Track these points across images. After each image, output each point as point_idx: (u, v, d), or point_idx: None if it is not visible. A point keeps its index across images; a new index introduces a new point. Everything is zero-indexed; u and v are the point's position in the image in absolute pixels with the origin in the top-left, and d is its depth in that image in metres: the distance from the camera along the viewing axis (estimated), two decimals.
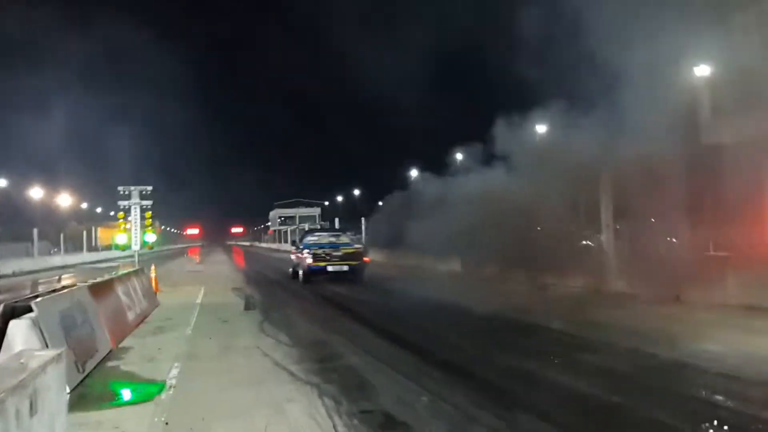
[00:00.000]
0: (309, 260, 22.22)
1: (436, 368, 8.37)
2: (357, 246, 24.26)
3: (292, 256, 26.09)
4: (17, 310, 7.56)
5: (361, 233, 38.85)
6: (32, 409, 3.09)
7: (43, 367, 3.34)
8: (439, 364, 8.67)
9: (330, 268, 22.14)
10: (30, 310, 7.53)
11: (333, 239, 24.39)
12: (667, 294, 14.03)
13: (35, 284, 24.24)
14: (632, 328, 10.91)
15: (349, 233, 28.33)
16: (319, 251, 22.55)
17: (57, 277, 31.18)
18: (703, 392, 6.93)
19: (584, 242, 28.84)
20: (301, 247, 24.03)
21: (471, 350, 9.72)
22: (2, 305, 7.29)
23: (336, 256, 22.35)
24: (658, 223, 17.34)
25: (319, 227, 35.49)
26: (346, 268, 22.11)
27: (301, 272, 22.98)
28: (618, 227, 19.48)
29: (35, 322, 7.40)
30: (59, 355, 3.69)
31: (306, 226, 66.52)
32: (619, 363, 8.46)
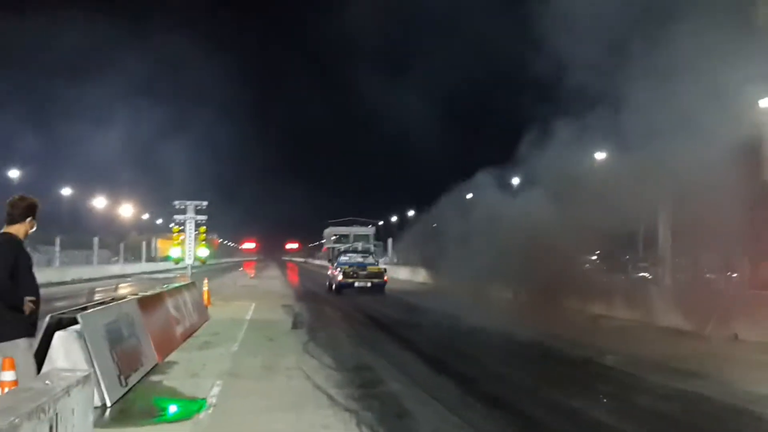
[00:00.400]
0: (340, 277, 26.75)
1: (479, 400, 8.12)
2: (381, 267, 29.01)
3: (329, 272, 30.14)
4: (63, 322, 7.63)
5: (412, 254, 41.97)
6: None
7: (67, 390, 3.27)
8: (483, 396, 8.40)
9: (357, 284, 26.58)
10: (77, 321, 7.60)
11: (361, 259, 29.28)
12: (724, 331, 13.47)
13: (91, 293, 24.77)
14: (686, 368, 10.43)
15: (381, 255, 34.59)
16: (349, 270, 27.10)
17: (114, 286, 31.86)
18: None
19: (641, 274, 28.21)
20: (335, 265, 28.54)
21: (517, 382, 9.42)
22: (48, 316, 7.36)
23: (362, 274, 26.96)
24: (719, 258, 16.76)
25: (351, 248, 38.11)
26: (369, 284, 26.58)
27: (333, 285, 27.40)
28: (677, 260, 18.92)
29: (80, 335, 7.45)
30: (86, 377, 3.62)
31: (359, 245, 66.59)
32: (669, 406, 8.06)
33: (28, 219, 5.50)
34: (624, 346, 12.50)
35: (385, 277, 27.68)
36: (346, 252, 31.62)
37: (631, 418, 7.36)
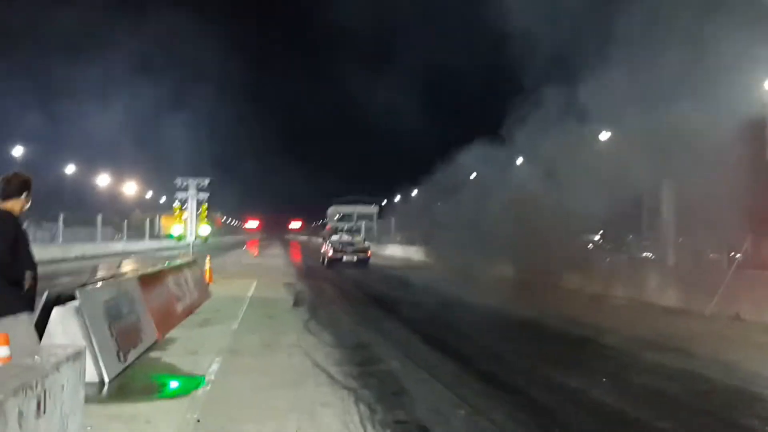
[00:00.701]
0: (330, 252, 31.65)
1: (476, 379, 8.10)
2: (365, 244, 34.39)
3: (322, 249, 34.52)
4: (62, 298, 7.59)
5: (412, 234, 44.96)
6: (39, 410, 2.98)
7: (57, 366, 3.23)
8: (481, 374, 8.39)
9: (345, 258, 31.14)
10: (75, 297, 7.56)
11: (349, 238, 34.99)
12: (726, 311, 13.44)
13: (95, 270, 24.74)
14: (687, 347, 10.41)
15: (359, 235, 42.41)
16: (338, 246, 32.09)
17: (117, 263, 31.87)
18: (756, 422, 6.50)
19: (644, 254, 28.17)
20: (327, 242, 33.44)
21: (515, 362, 9.37)
22: (46, 292, 7.32)
23: (349, 250, 31.65)
24: (721, 238, 16.68)
25: (340, 228, 49.56)
26: (355, 258, 31.22)
27: (325, 259, 32.13)
28: (680, 240, 18.85)
29: (78, 311, 7.42)
30: (77, 353, 3.58)
31: (363, 223, 66.77)
32: (669, 385, 8.02)
33: (24, 194, 5.46)
34: (623, 326, 12.50)
35: (369, 253, 32.95)
36: (336, 231, 40.71)
37: (630, 398, 7.33)
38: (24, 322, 5.25)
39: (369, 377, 7.96)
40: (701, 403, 7.27)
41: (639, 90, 17.64)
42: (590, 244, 35.97)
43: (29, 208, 5.66)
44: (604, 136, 34.27)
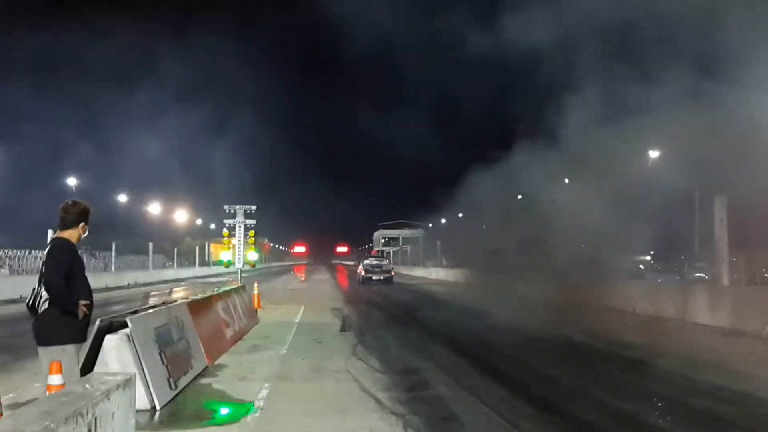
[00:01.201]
0: (363, 272, 42.02)
1: (528, 403, 7.93)
2: (390, 267, 45.51)
3: (357, 270, 46.53)
4: (114, 325, 7.69)
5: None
6: None
7: (107, 393, 3.24)
8: (532, 399, 8.20)
9: (374, 278, 40.70)
10: (127, 325, 7.65)
11: (378, 262, 45.41)
12: None
13: (147, 296, 25.17)
14: (743, 370, 10.07)
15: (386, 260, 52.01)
16: (369, 268, 42.29)
17: (168, 290, 32.36)
18: None
19: (697, 274, 27.50)
20: (361, 266, 44.87)
21: (568, 385, 9.14)
22: (99, 320, 7.43)
23: (378, 271, 41.70)
24: None
25: (374, 254, 63.75)
26: (382, 277, 40.81)
27: (360, 278, 41.97)
28: (734, 259, 18.36)
29: (129, 338, 7.50)
30: (128, 380, 3.59)
31: (408, 248, 66.90)
32: (726, 409, 7.74)
33: (81, 224, 5.54)
34: (678, 348, 12.15)
35: (392, 273, 43.45)
36: (368, 257, 52.65)
37: (687, 422, 7.10)
38: (69, 353, 5.29)
39: (418, 402, 7.86)
40: (760, 427, 7.00)
41: (688, 103, 17.29)
42: (641, 265, 35.39)
43: (86, 237, 5.74)
44: (654, 153, 33.75)
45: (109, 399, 3.24)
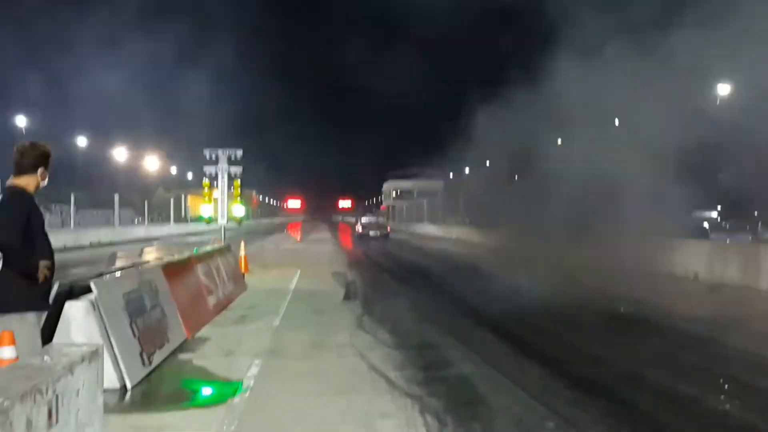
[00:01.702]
0: (360, 230, 53.24)
1: (567, 385, 7.97)
2: (386, 224, 57.47)
3: (355, 227, 58.31)
4: (75, 290, 7.74)
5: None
6: (51, 419, 3.01)
7: (70, 367, 3.26)
8: (572, 380, 8.24)
9: (371, 233, 50.61)
10: (90, 290, 7.70)
11: (374, 219, 57.45)
12: None
13: (112, 258, 25.27)
14: None
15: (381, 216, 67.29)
16: (366, 224, 53.62)
17: (139, 251, 32.52)
18: None
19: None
20: (359, 222, 56.27)
21: (613, 365, 9.16)
22: (57, 284, 7.46)
23: (374, 227, 52.43)
24: None
25: (368, 213, 72.55)
26: (379, 233, 50.55)
27: (357, 235, 53.05)
28: None
29: (94, 305, 7.56)
30: (93, 352, 3.61)
31: (424, 202, 67.04)
32: None
33: (40, 169, 5.48)
34: (749, 322, 12.15)
35: (389, 229, 54.89)
36: (365, 214, 65.56)
37: (759, 407, 7.15)
38: (30, 322, 5.31)
39: (436, 383, 7.92)
40: None
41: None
42: (705, 223, 35.32)
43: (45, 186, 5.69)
44: (723, 89, 33.41)
45: (72, 374, 3.26)
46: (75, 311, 7.50)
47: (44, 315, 5.63)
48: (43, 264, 5.38)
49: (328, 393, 7.52)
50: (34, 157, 5.49)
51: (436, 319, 12.79)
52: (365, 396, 7.38)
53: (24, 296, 5.30)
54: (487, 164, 50.87)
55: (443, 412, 6.76)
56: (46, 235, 5.53)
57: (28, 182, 5.46)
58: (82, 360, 3.42)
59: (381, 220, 58.65)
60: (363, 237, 51.05)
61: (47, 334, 7.32)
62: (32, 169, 5.47)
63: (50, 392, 3.01)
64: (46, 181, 5.58)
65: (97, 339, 7.43)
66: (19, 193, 5.42)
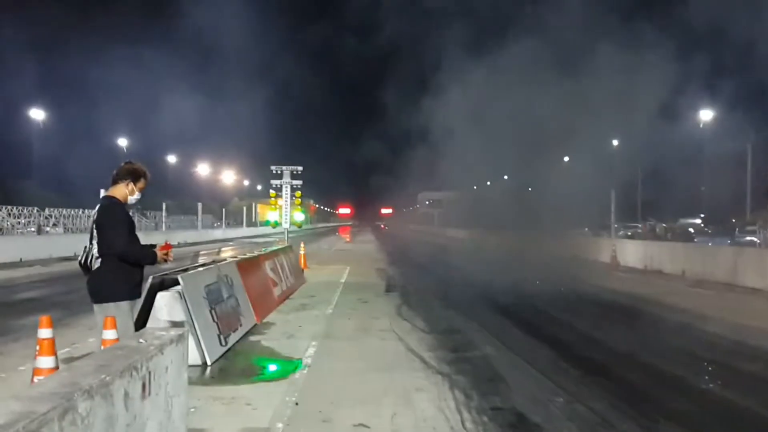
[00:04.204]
0: (382, 226, 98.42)
1: (574, 365, 7.83)
2: (385, 224, 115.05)
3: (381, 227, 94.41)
4: (166, 283, 7.80)
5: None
6: (145, 392, 3.01)
7: (161, 348, 3.26)
8: (578, 361, 8.11)
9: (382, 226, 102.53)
10: (178, 282, 7.76)
11: (381, 224, 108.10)
12: None
13: (196, 255, 25.54)
14: None
15: None
16: (383, 226, 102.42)
17: (217, 250, 32.84)
18: None
19: (748, 238, 26.88)
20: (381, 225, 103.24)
21: (613, 348, 9.04)
22: (151, 277, 7.53)
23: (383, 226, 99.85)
24: None
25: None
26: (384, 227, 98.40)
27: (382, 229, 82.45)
28: None
29: (181, 295, 7.61)
30: (180, 335, 3.61)
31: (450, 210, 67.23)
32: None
33: (127, 181, 5.50)
34: (727, 313, 11.88)
35: (383, 227, 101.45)
36: (380, 222, 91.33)
37: (737, 386, 6.96)
38: (124, 309, 5.33)
39: (463, 363, 7.84)
40: None
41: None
42: (690, 228, 34.73)
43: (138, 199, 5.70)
44: (706, 115, 32.98)
45: (162, 353, 3.26)
46: (166, 299, 7.57)
47: (137, 303, 5.65)
48: (161, 254, 5.46)
49: (373, 370, 7.47)
50: (125, 172, 5.52)
51: (461, 307, 12.52)
52: (403, 373, 7.32)
53: (120, 287, 5.34)
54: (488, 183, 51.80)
55: (469, 388, 6.68)
56: (137, 238, 5.57)
57: (117, 192, 5.48)
58: (171, 342, 3.42)
59: (384, 224, 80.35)
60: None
61: (143, 318, 7.40)
62: (122, 180, 5.50)
63: (144, 369, 3.01)
64: (137, 194, 5.58)
65: (183, 323, 7.49)
66: (115, 203, 5.45)
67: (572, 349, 8.86)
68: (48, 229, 31.37)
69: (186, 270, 8.61)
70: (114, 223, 5.31)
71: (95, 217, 5.43)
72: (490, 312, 12.26)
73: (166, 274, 7.97)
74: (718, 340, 9.59)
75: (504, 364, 7.85)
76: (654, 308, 12.64)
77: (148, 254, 5.44)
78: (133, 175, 5.54)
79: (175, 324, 7.42)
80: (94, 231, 5.36)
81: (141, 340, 3.32)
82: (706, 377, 7.42)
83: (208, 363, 7.51)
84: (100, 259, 5.29)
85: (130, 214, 5.64)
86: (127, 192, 5.51)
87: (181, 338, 3.60)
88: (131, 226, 5.50)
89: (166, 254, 5.52)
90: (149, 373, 3.06)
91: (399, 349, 8.67)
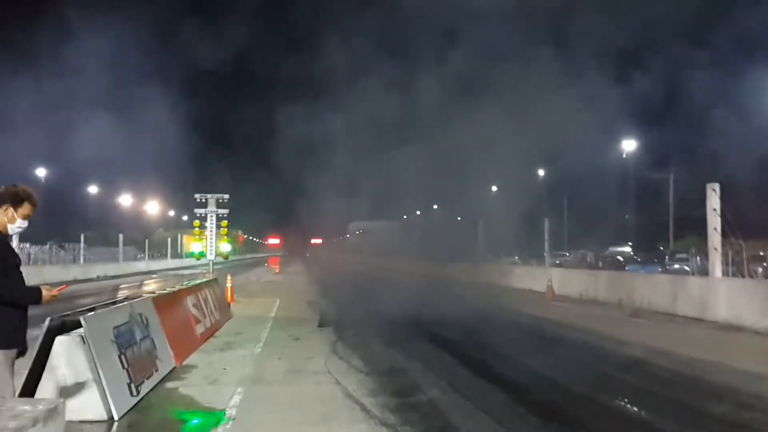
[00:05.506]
0: (307, 255, 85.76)
1: (531, 411, 7.03)
2: (308, 252, 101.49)
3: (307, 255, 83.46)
4: (67, 325, 6.71)
5: None
6: None
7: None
8: (535, 404, 7.32)
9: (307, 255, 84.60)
10: (81, 325, 6.66)
11: (308, 254, 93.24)
12: None
13: (116, 289, 24.02)
14: (752, 369, 9.36)
15: None
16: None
17: (139, 283, 31.18)
18: None
19: (676, 266, 27.07)
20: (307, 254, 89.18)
21: (573, 390, 8.25)
22: (49, 319, 6.43)
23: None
24: None
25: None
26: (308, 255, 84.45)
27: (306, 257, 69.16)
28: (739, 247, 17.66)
29: (84, 339, 6.52)
30: (52, 410, 2.64)
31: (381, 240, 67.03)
32: (747, 414, 6.99)
33: (5, 206, 4.48)
34: (679, 346, 11.39)
35: (308, 255, 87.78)
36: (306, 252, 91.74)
37: (702, 427, 6.36)
38: None
39: (410, 411, 6.94)
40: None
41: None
42: (619, 257, 34.93)
43: (33, 229, 4.67)
44: (629, 145, 33.62)
45: None
46: (65, 345, 6.47)
47: (14, 352, 4.54)
48: (47, 293, 4.43)
49: (308, 422, 6.52)
50: (3, 197, 4.51)
51: (399, 343, 11.70)
52: (343, 424, 6.41)
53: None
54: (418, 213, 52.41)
55: None
56: (21, 274, 4.54)
57: None
58: (35, 423, 2.46)
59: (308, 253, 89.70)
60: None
61: (37, 371, 6.30)
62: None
63: None
64: (19, 222, 4.54)
65: (86, 372, 6.42)
66: None
67: (526, 392, 8.08)
68: None
69: (92, 309, 7.50)
70: None
71: None
72: (433, 348, 11.47)
73: (67, 315, 6.86)
74: (677, 378, 9.03)
75: (455, 412, 6.99)
76: (603, 342, 12.09)
77: (28, 291, 4.42)
78: (14, 199, 4.52)
79: (76, 374, 6.35)
80: None
81: None
82: (681, 421, 6.78)
83: (115, 418, 6.42)
84: None
85: (12, 245, 4.63)
86: (6, 219, 4.50)
87: (51, 413, 2.63)
88: (11, 259, 4.48)
89: (53, 294, 4.50)
90: None
91: (336, 394, 7.73)
